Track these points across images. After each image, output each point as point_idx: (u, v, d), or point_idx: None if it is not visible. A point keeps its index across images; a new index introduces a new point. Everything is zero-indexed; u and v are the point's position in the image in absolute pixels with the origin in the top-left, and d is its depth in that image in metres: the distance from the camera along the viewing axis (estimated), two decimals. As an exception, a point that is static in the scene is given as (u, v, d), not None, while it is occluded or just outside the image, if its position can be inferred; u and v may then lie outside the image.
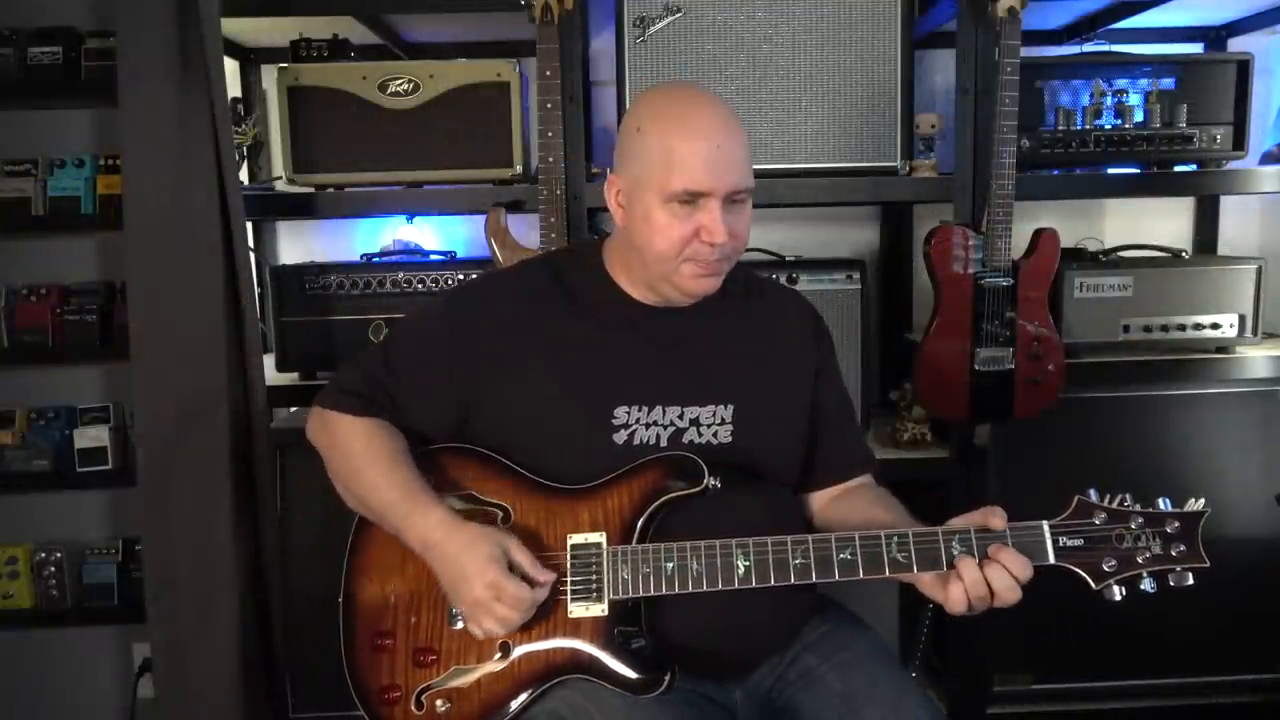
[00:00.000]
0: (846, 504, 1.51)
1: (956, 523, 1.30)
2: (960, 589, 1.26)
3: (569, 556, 1.35)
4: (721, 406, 1.43)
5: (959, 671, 2.28)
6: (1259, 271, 2.25)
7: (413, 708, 1.35)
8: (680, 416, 1.42)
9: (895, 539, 1.30)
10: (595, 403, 1.40)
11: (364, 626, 1.41)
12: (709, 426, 1.42)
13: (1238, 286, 2.26)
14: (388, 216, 2.54)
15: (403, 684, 1.36)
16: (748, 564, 1.31)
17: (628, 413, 1.40)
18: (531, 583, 1.30)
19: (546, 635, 1.34)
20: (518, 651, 1.34)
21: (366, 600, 1.42)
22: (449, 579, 1.32)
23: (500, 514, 1.39)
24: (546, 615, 1.34)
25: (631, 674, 1.31)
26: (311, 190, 2.19)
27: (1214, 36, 2.60)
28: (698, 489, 1.35)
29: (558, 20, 1.95)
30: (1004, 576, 1.25)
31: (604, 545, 1.34)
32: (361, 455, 1.42)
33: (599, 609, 1.33)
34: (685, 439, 1.41)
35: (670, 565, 1.32)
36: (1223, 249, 2.66)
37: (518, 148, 2.14)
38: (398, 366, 1.46)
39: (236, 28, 2.30)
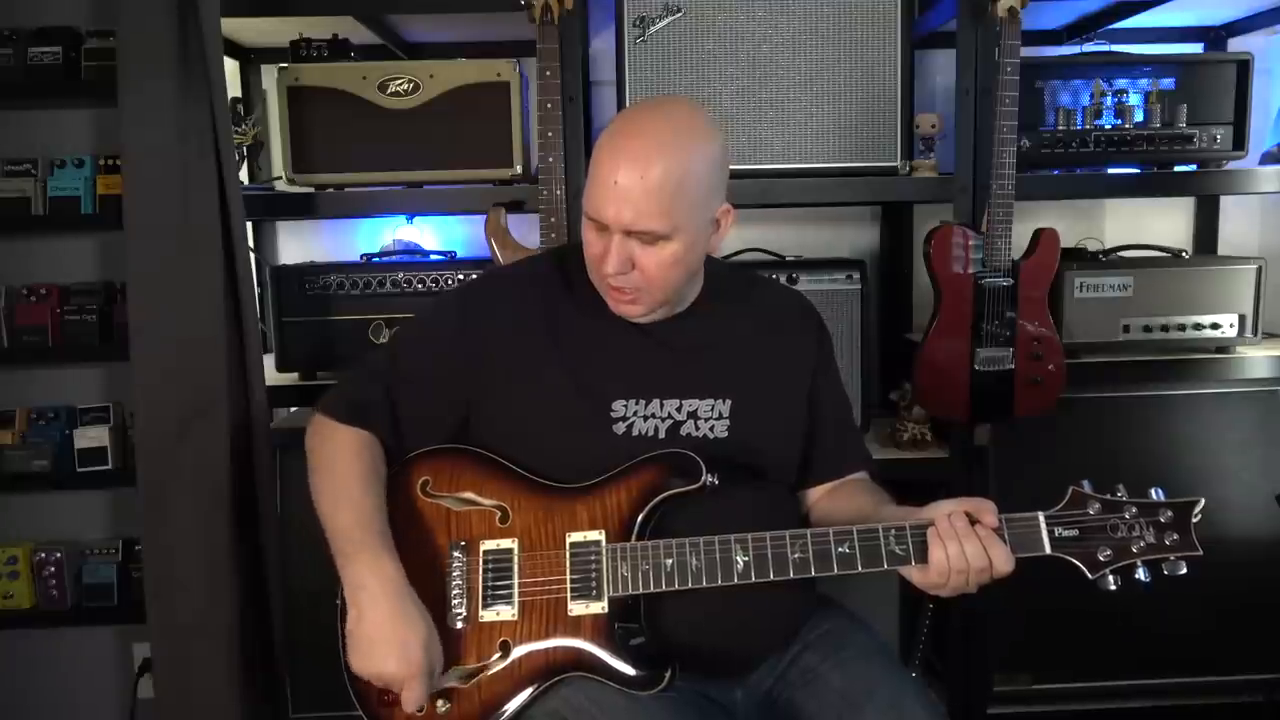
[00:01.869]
0: (839, 497, 1.52)
1: (946, 504, 1.31)
2: (941, 552, 1.26)
3: (568, 555, 1.35)
4: (720, 400, 1.43)
5: (959, 671, 2.28)
6: (1259, 271, 2.25)
7: (413, 708, 1.35)
8: (678, 409, 1.42)
9: (893, 532, 1.30)
10: (594, 395, 1.41)
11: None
12: (706, 420, 1.43)
13: (1238, 286, 2.26)
14: (388, 216, 2.54)
15: (403, 684, 1.36)
16: (746, 559, 1.31)
17: (625, 406, 1.41)
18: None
19: (547, 634, 1.33)
20: (518, 651, 1.34)
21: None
22: (370, 629, 1.29)
23: (499, 514, 1.39)
24: (547, 614, 1.34)
25: (631, 671, 1.31)
26: (311, 190, 2.19)
27: (1214, 36, 2.60)
28: (695, 486, 1.35)
29: (558, 20, 1.96)
30: (976, 547, 1.26)
31: (603, 543, 1.35)
32: (338, 473, 1.39)
33: (599, 606, 1.33)
34: (683, 431, 1.42)
35: (669, 561, 1.32)
36: (1223, 249, 2.66)
37: (518, 148, 2.14)
38: (404, 360, 1.46)
39: (236, 28, 2.30)
